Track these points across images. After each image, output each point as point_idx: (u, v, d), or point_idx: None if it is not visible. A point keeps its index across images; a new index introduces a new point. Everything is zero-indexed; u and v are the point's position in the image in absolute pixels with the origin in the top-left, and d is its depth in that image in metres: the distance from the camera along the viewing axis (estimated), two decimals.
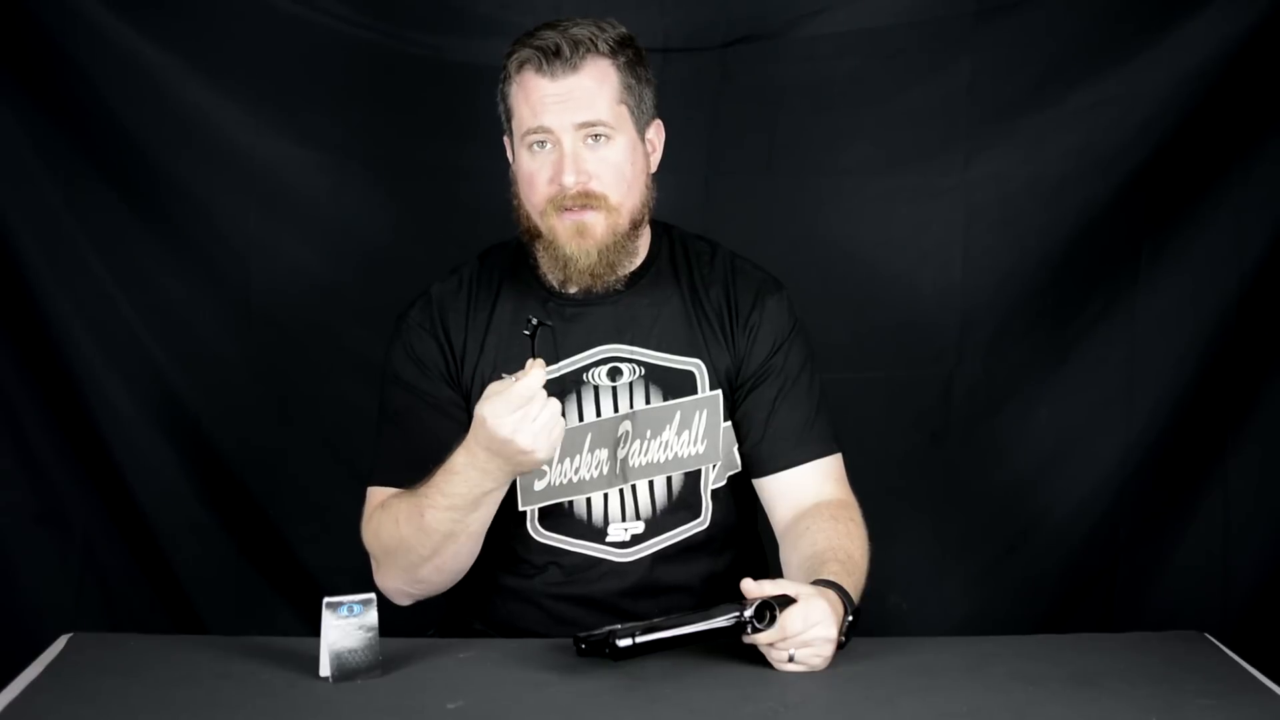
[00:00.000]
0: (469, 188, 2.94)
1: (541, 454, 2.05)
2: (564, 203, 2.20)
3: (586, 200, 2.20)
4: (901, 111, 3.01)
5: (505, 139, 2.30)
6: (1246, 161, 2.99)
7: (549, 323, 2.14)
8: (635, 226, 2.26)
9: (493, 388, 2.05)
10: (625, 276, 2.28)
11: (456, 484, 2.11)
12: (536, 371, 2.02)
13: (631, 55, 2.25)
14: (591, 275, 2.23)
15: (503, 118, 2.29)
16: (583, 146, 2.20)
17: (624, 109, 2.23)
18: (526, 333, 2.07)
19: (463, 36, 2.96)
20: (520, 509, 2.29)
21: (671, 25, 2.97)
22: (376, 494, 2.27)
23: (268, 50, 2.96)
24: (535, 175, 2.22)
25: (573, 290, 2.26)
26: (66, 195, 2.96)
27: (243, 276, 3.00)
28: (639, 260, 2.31)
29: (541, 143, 2.21)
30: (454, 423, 2.26)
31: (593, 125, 2.20)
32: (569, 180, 2.19)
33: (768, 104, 3.01)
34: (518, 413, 2.02)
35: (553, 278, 2.25)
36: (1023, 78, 2.99)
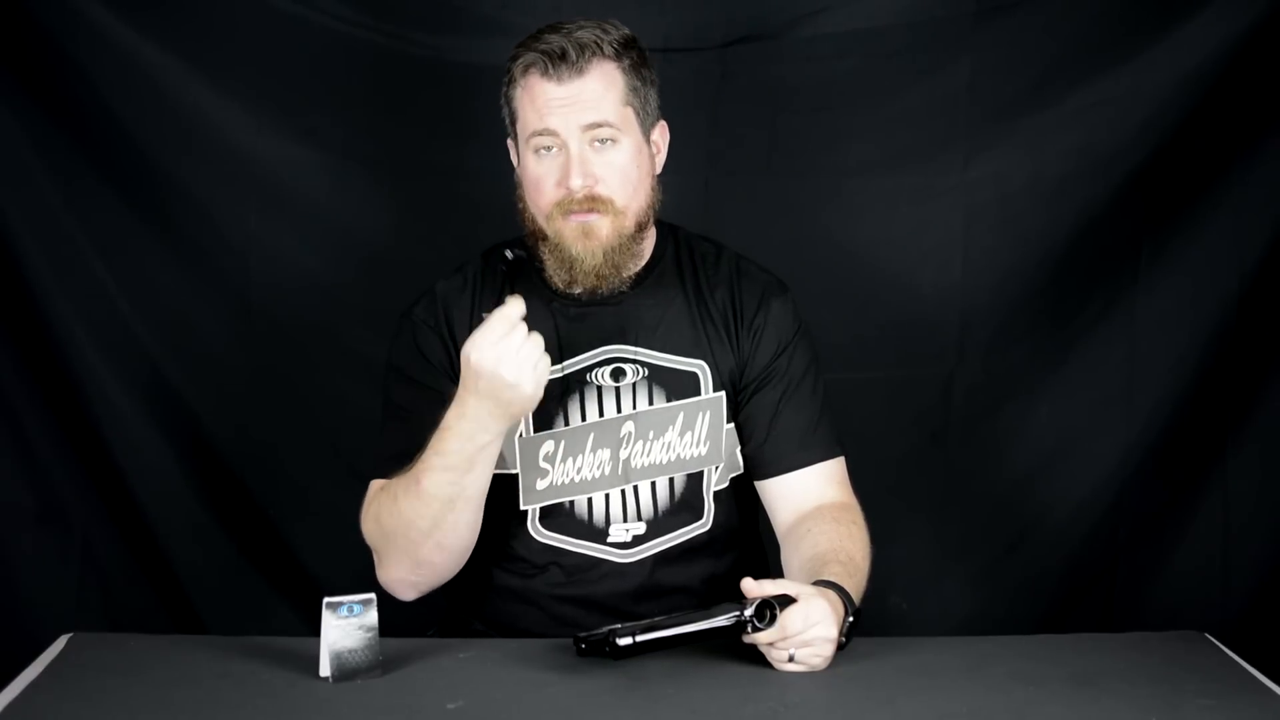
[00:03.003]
0: (469, 188, 2.94)
1: (528, 388, 2.04)
2: (570, 206, 2.20)
3: (592, 204, 2.20)
4: (901, 111, 3.01)
5: (509, 141, 2.30)
6: (1246, 161, 2.99)
7: (522, 253, 2.15)
8: (641, 228, 2.26)
9: (475, 331, 2.06)
10: (630, 277, 2.28)
11: (450, 440, 2.10)
12: (514, 302, 2.03)
13: (636, 57, 2.24)
14: (597, 276, 2.23)
15: (506, 120, 2.28)
16: (589, 149, 2.20)
17: (630, 111, 2.23)
18: (503, 268, 2.07)
19: (463, 36, 2.96)
20: (522, 508, 2.29)
21: (672, 25, 2.97)
22: (377, 485, 2.26)
23: (268, 50, 2.96)
24: (542, 179, 2.22)
25: (578, 291, 2.26)
26: (66, 195, 2.96)
27: (243, 276, 3.00)
28: (644, 261, 2.31)
29: (548, 146, 2.21)
30: None
31: (599, 127, 2.19)
32: (576, 183, 2.19)
33: (768, 104, 3.01)
34: (500, 344, 2.02)
35: (559, 279, 2.25)
36: (1023, 78, 2.99)
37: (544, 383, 2.07)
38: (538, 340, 2.05)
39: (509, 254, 2.08)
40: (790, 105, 3.01)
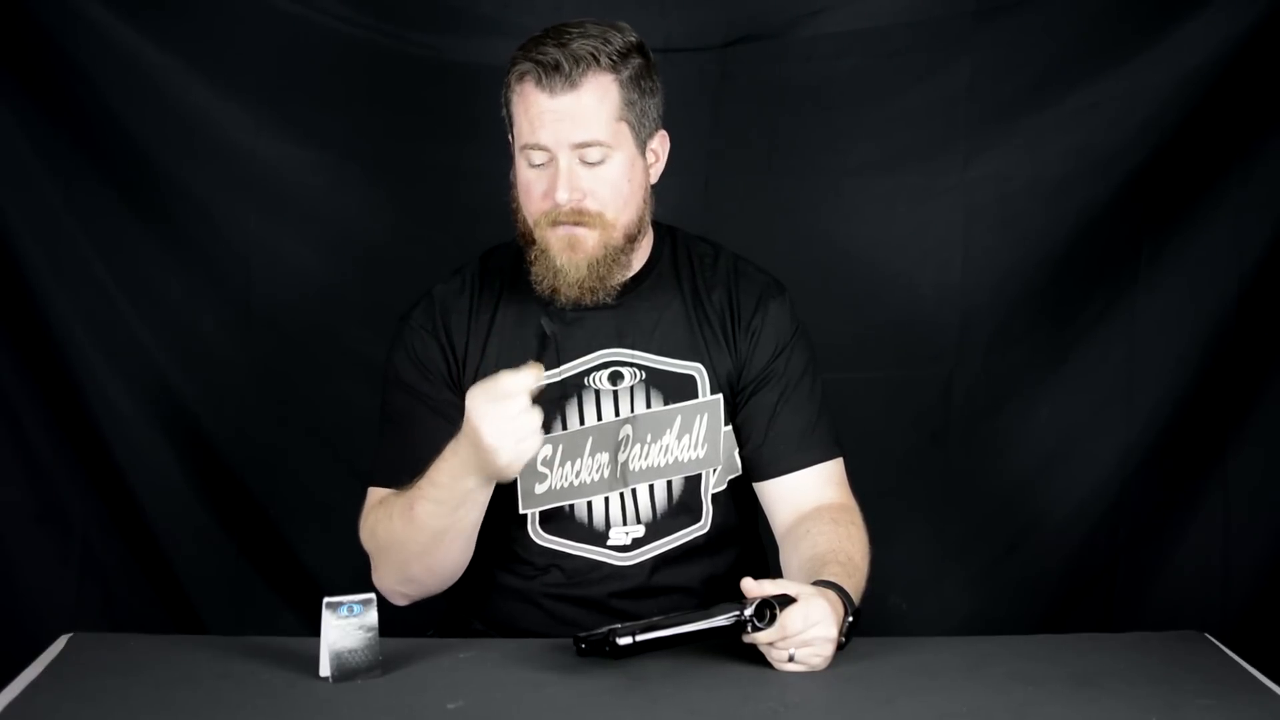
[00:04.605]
0: (469, 188, 2.94)
1: (503, 457, 2.02)
2: (558, 218, 2.20)
3: (580, 217, 2.19)
4: (901, 111, 3.01)
5: (509, 136, 2.29)
6: (1246, 161, 2.99)
7: (556, 327, 2.12)
8: (630, 240, 2.25)
9: (487, 379, 2.04)
10: (616, 288, 2.26)
11: (442, 473, 2.10)
12: (528, 372, 2.01)
13: (636, 68, 2.22)
14: (580, 288, 2.22)
15: (505, 120, 2.28)
16: (578, 164, 2.19)
17: (623, 125, 2.21)
18: (537, 337, 2.06)
19: (463, 36, 2.96)
20: (521, 512, 2.29)
21: (672, 25, 2.97)
22: (376, 494, 2.27)
23: (268, 51, 2.96)
24: (531, 187, 2.22)
25: (561, 302, 2.25)
26: (66, 195, 2.96)
27: (243, 277, 3.00)
28: (635, 269, 2.30)
29: (538, 158, 2.20)
30: (454, 425, 2.25)
31: (589, 146, 2.18)
32: (562, 197, 2.18)
33: (768, 104, 3.01)
34: (495, 405, 2.01)
35: (543, 286, 2.23)
36: (1023, 78, 2.99)
37: (525, 457, 2.03)
38: (535, 416, 2.02)
39: (547, 330, 2.06)
40: (790, 105, 3.01)
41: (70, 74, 2.92)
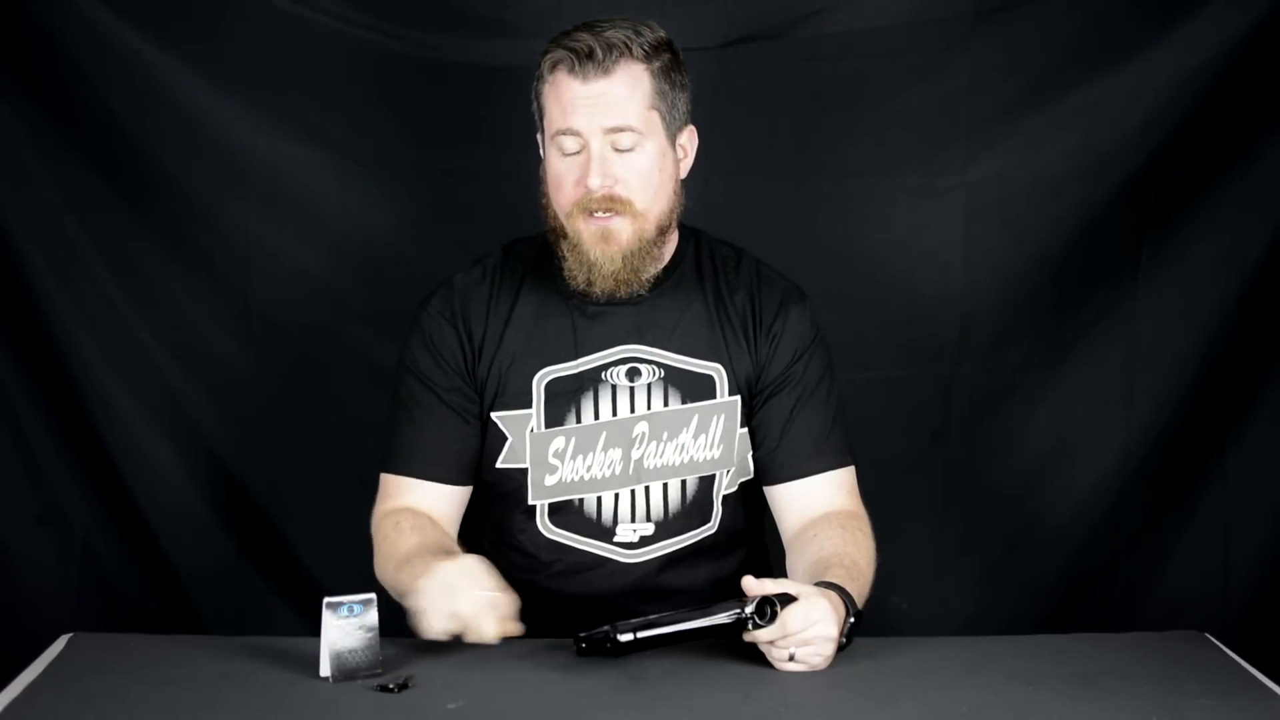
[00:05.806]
0: (469, 188, 2.94)
1: (423, 618, 2.01)
2: (590, 205, 2.20)
3: (612, 205, 2.19)
4: (901, 111, 3.01)
5: (538, 136, 2.28)
6: (1246, 162, 2.99)
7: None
8: (662, 232, 2.25)
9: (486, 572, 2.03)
10: (649, 279, 2.26)
11: (405, 574, 2.11)
12: (506, 629, 2.00)
13: (667, 61, 2.24)
14: (615, 281, 2.22)
15: (535, 115, 2.27)
16: (611, 151, 2.19)
17: (655, 115, 2.22)
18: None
19: (463, 36, 2.96)
20: (530, 503, 2.29)
21: (672, 25, 2.92)
22: (388, 481, 2.28)
23: (268, 50, 2.96)
24: (563, 176, 2.22)
25: (596, 293, 2.25)
26: (66, 195, 2.96)
27: (243, 277, 3.00)
28: (664, 264, 2.31)
29: (571, 145, 2.20)
30: (464, 415, 2.26)
31: (622, 130, 2.19)
32: (595, 183, 2.18)
33: (768, 104, 3.01)
34: (470, 591, 1.99)
35: (578, 279, 2.23)
36: (1023, 78, 2.99)
37: (426, 626, 2.02)
38: (448, 619, 2.00)
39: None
40: (790, 105, 3.01)
41: (70, 74, 2.92)
